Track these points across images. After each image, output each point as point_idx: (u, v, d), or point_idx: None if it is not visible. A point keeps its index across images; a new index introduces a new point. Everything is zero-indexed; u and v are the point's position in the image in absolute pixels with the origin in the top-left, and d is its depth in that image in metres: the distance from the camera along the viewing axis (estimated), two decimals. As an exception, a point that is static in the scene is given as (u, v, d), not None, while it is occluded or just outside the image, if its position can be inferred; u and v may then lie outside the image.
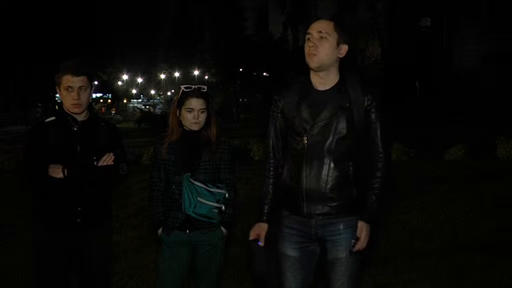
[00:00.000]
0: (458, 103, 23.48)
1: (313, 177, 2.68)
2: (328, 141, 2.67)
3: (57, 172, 3.01)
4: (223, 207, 3.25)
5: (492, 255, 5.09)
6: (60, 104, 3.21)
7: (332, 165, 2.67)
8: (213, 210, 3.20)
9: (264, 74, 38.02)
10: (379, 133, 2.72)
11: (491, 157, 11.58)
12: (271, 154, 2.88)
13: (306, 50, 2.71)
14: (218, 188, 3.25)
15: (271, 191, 2.85)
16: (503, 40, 25.18)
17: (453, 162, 11.72)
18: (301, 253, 2.78)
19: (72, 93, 3.07)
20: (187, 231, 3.26)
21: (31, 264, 3.23)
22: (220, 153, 3.32)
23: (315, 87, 2.75)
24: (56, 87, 3.15)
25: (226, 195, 3.26)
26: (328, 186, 2.67)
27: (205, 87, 3.35)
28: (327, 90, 2.73)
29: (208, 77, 42.87)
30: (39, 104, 37.18)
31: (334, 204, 2.69)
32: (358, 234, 2.68)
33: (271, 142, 2.87)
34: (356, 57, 31.49)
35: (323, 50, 2.68)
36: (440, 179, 9.28)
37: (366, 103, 2.70)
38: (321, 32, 2.68)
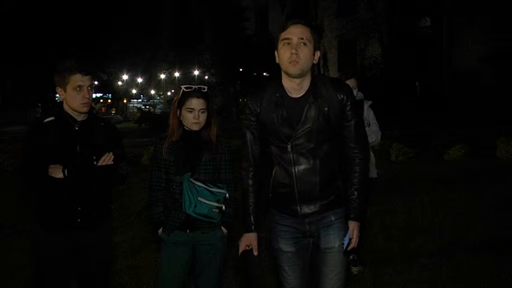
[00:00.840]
0: (458, 103, 23.49)
1: (304, 181, 2.70)
2: (312, 146, 2.67)
3: (57, 172, 3.01)
4: (223, 207, 3.25)
5: (492, 255, 5.09)
6: (60, 104, 3.20)
7: (319, 166, 2.69)
8: (213, 210, 3.20)
9: (264, 74, 37.99)
10: (353, 129, 2.73)
11: (491, 157, 11.60)
12: (251, 163, 2.81)
13: (287, 56, 2.61)
14: (218, 187, 3.25)
15: (253, 201, 2.82)
16: (503, 40, 25.17)
17: (453, 162, 11.73)
18: (296, 247, 2.82)
19: (82, 93, 3.09)
20: (188, 231, 3.26)
21: (31, 264, 3.23)
22: (221, 153, 3.32)
23: (289, 94, 2.70)
24: (58, 87, 3.13)
25: (227, 195, 3.26)
26: (319, 187, 2.71)
27: (206, 87, 3.35)
28: (301, 96, 2.69)
29: (208, 77, 42.84)
30: (39, 104, 37.17)
31: (326, 201, 2.75)
32: (350, 235, 2.72)
33: (250, 151, 2.80)
34: (356, 57, 31.53)
35: (304, 56, 2.61)
36: (440, 179, 9.29)
37: (340, 101, 2.68)
38: (302, 38, 2.61)
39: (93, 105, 3.28)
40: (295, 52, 2.58)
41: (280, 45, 2.65)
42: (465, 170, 10.27)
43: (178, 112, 3.29)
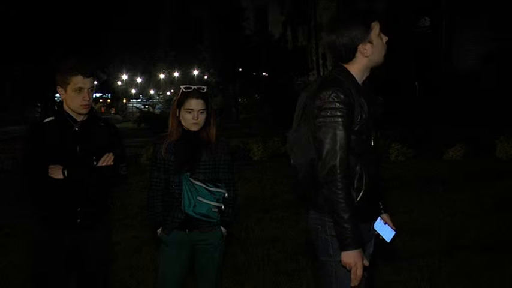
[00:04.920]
0: (457, 103, 23.48)
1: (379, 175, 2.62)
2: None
3: (57, 173, 3.00)
4: (222, 207, 3.25)
5: (492, 255, 5.09)
6: (60, 104, 3.20)
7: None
8: (212, 209, 3.20)
9: (264, 74, 38.00)
10: None
11: (491, 157, 11.60)
12: (346, 169, 2.41)
13: (385, 46, 2.55)
14: (218, 187, 3.25)
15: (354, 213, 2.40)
16: (503, 40, 25.18)
17: (453, 162, 11.73)
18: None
19: (83, 94, 3.06)
20: (187, 230, 3.26)
21: (31, 264, 3.23)
22: (220, 153, 3.32)
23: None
24: (59, 86, 3.12)
25: (226, 194, 3.26)
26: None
27: (205, 87, 3.35)
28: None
29: (207, 77, 42.86)
30: (39, 104, 37.14)
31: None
32: (393, 226, 2.71)
33: (344, 155, 2.40)
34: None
35: None
36: (440, 179, 9.29)
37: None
38: None
39: (92, 105, 3.28)
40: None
41: (379, 40, 2.52)
42: (465, 170, 10.27)
43: (177, 112, 3.30)
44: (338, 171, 2.35)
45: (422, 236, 5.88)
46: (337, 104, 2.37)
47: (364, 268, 2.38)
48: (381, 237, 2.68)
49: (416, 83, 28.45)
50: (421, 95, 28.01)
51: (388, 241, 2.67)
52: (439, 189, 8.44)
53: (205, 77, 43.61)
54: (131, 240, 6.09)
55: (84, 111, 3.11)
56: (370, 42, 2.47)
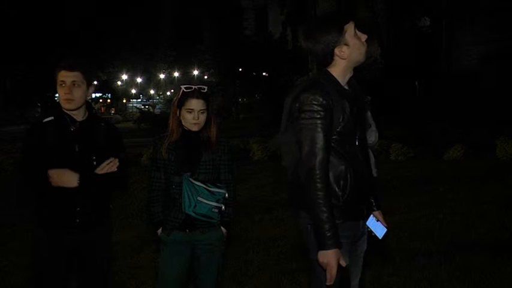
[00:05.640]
0: (457, 103, 23.47)
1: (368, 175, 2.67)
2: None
3: (71, 181, 3.00)
4: (223, 207, 3.25)
5: (492, 255, 5.08)
6: (59, 104, 3.20)
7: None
8: (213, 210, 3.20)
9: (264, 74, 38.01)
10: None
11: (491, 157, 11.60)
12: (324, 169, 2.44)
13: (365, 44, 2.57)
14: (218, 187, 3.25)
15: (332, 212, 2.42)
16: (503, 40, 25.18)
17: (453, 162, 11.73)
18: (350, 260, 2.60)
19: (64, 88, 3.05)
20: (187, 230, 3.26)
21: (31, 264, 3.23)
22: (220, 153, 3.32)
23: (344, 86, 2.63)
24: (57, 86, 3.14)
25: (226, 195, 3.26)
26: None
27: (206, 87, 3.35)
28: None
29: (207, 77, 42.87)
30: (39, 104, 37.17)
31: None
32: (384, 223, 2.73)
33: (325, 155, 2.44)
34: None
35: None
36: (440, 179, 9.29)
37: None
38: None
39: (92, 105, 3.27)
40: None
41: (355, 40, 2.53)
42: (465, 170, 10.26)
43: (177, 112, 3.29)
44: (317, 172, 2.40)
45: (422, 236, 5.88)
46: (315, 107, 2.42)
47: (341, 268, 2.41)
48: (373, 234, 2.73)
49: (416, 83, 28.45)
50: (421, 95, 28.00)
51: (380, 237, 2.72)
52: (439, 189, 8.44)
53: (205, 77, 43.62)
54: (131, 240, 6.09)
55: (68, 106, 3.08)
56: (346, 44, 2.50)
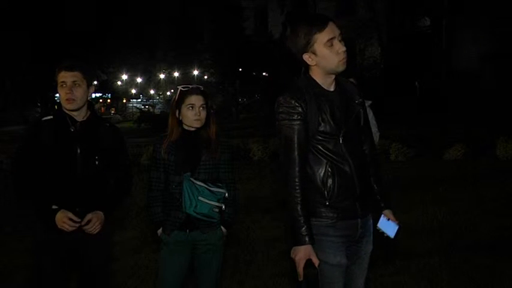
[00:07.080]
0: (458, 103, 23.48)
1: (363, 177, 2.66)
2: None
3: (98, 225, 3.14)
4: (223, 207, 3.25)
5: (492, 255, 5.09)
6: (60, 104, 3.20)
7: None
8: (213, 209, 3.20)
9: (264, 74, 37.99)
10: (368, 127, 2.86)
11: (491, 157, 11.59)
12: (300, 167, 2.52)
13: (341, 54, 2.57)
14: (219, 187, 3.25)
15: (307, 209, 2.50)
16: (503, 40, 25.18)
17: (453, 162, 11.72)
18: (348, 259, 2.65)
19: (65, 88, 3.07)
20: (187, 230, 3.26)
21: (31, 264, 3.23)
22: (220, 152, 3.31)
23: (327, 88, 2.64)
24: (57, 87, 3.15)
25: (226, 194, 3.26)
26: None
27: (202, 87, 3.38)
28: (334, 90, 2.66)
29: (207, 77, 42.84)
30: (39, 104, 37.18)
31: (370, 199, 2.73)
32: (394, 220, 2.73)
33: (300, 153, 2.53)
34: (355, 57, 31.53)
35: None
36: (440, 179, 9.29)
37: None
38: (341, 34, 2.64)
39: (94, 105, 3.28)
40: (345, 50, 2.60)
41: (325, 49, 2.56)
42: (465, 170, 10.26)
43: (177, 112, 3.29)
44: (291, 171, 2.49)
45: (422, 236, 5.88)
46: (286, 109, 2.52)
47: (313, 265, 2.47)
48: (385, 235, 2.72)
49: (416, 83, 28.44)
50: (421, 95, 28.00)
51: (393, 237, 2.71)
52: (439, 189, 8.44)
53: (205, 77, 43.58)
54: (131, 240, 6.09)
55: (69, 106, 3.09)
56: (313, 53, 2.56)
